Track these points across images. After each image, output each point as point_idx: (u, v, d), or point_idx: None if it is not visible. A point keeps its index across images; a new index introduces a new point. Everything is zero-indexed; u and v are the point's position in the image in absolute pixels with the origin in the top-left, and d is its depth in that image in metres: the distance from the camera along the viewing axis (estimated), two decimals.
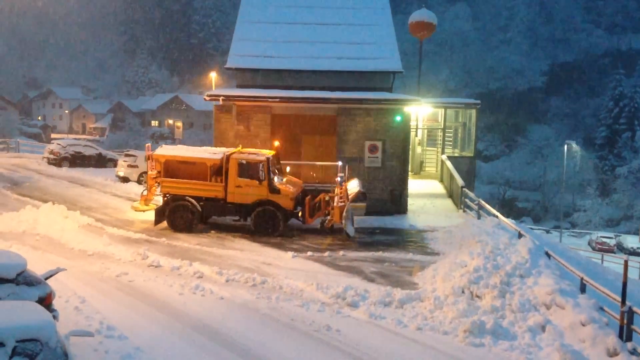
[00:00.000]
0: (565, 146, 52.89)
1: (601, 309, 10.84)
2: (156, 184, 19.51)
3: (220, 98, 22.15)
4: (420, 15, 31.84)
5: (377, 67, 23.96)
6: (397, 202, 22.60)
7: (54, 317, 8.90)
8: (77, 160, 32.93)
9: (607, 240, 49.25)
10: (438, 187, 27.94)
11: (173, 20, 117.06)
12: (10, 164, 32.97)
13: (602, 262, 31.48)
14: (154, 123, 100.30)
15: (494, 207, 20.65)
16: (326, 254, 16.53)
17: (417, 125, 30.47)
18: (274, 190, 18.42)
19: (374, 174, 22.56)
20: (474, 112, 31.16)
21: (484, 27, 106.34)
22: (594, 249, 47.01)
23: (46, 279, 9.79)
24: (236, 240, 18.10)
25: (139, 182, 27.66)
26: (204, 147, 20.84)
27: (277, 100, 22.12)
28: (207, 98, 22.46)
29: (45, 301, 9.07)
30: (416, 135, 30.61)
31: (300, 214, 18.99)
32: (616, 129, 77.28)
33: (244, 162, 18.55)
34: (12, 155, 38.83)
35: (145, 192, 20.15)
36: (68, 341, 8.45)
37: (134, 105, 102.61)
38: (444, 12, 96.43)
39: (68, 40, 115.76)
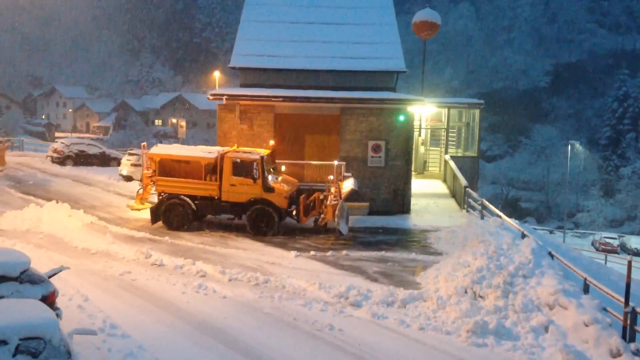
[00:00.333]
0: (569, 146, 52.91)
1: (604, 309, 10.81)
2: (151, 183, 19.60)
3: (224, 97, 22.16)
4: (424, 14, 31.77)
5: (380, 67, 23.93)
6: (400, 202, 22.59)
7: (57, 315, 8.92)
8: (80, 159, 32.96)
9: (611, 241, 49.06)
10: (441, 187, 27.91)
11: (177, 20, 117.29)
12: (14, 162, 33.02)
13: (606, 263, 31.41)
14: (158, 122, 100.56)
15: (497, 207, 20.61)
16: (329, 253, 16.53)
17: (420, 125, 30.42)
18: (268, 188, 18.47)
19: (377, 174, 22.54)
20: (477, 112, 31.10)
21: (487, 27, 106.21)
22: (597, 249, 46.86)
23: (49, 277, 9.81)
24: (239, 239, 18.12)
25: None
26: (199, 146, 20.92)
27: (281, 99, 22.13)
28: (211, 97, 22.49)
29: (49, 299, 9.10)
30: (419, 135, 30.56)
31: (294, 212, 19.08)
32: (620, 129, 77.16)
33: (238, 160, 18.62)
34: (16, 153, 38.86)
35: (140, 191, 20.23)
36: (71, 339, 8.47)
37: (138, 104, 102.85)
38: (447, 12, 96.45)
39: (72, 39, 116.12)
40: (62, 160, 32.67)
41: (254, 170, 18.39)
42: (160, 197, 19.24)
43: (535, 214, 71.70)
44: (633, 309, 9.85)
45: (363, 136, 22.50)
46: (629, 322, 9.92)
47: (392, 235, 19.43)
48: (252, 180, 18.41)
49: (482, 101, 31.77)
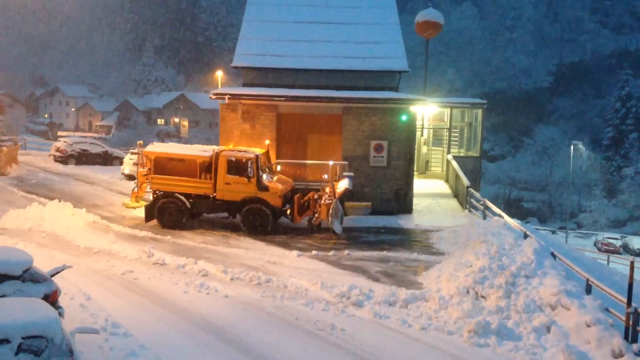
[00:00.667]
0: (572, 146, 52.81)
1: (607, 310, 10.79)
2: (147, 181, 19.64)
3: (226, 97, 22.17)
4: (427, 14, 31.73)
5: (383, 67, 23.93)
6: (402, 202, 22.58)
7: (60, 314, 8.94)
8: (83, 157, 33.03)
9: (613, 241, 49.02)
10: (443, 187, 27.90)
11: (179, 19, 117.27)
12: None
13: (608, 263, 31.32)
14: (160, 121, 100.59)
15: (499, 207, 20.59)
16: (331, 253, 16.53)
17: (422, 125, 30.41)
18: (262, 187, 18.50)
19: (379, 174, 22.54)
20: (480, 111, 31.10)
21: (490, 26, 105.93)
22: (599, 249, 46.79)
23: (52, 276, 9.83)
24: (241, 238, 18.13)
25: None
26: (195, 145, 20.99)
27: (283, 99, 22.13)
28: (213, 97, 22.50)
29: (51, 298, 9.11)
30: (422, 135, 30.55)
31: (288, 211, 19.09)
32: (623, 129, 77.01)
33: (233, 159, 18.67)
34: (19, 152, 38.88)
35: (136, 189, 20.28)
36: (73, 338, 8.49)
37: (140, 103, 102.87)
38: (450, 12, 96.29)
39: (75, 38, 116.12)
40: (64, 159, 32.74)
41: (249, 169, 18.45)
42: (155, 195, 19.31)
43: (537, 214, 71.65)
44: (635, 309, 9.83)
45: (365, 136, 22.49)
46: (631, 322, 9.90)
47: (394, 235, 19.42)
48: (246, 179, 18.47)
49: (484, 101, 31.78)
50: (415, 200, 23.22)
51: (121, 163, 31.32)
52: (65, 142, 34.28)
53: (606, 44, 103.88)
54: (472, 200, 22.23)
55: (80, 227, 18.41)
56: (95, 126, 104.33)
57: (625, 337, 9.93)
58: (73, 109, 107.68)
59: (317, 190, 19.33)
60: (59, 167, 31.47)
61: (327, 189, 18.76)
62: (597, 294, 11.52)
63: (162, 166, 19.08)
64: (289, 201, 19.24)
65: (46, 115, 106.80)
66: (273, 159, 21.11)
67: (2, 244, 15.07)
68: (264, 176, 18.80)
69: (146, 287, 13.08)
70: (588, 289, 11.69)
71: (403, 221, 21.24)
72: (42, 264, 11.13)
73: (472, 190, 22.67)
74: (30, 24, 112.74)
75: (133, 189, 20.52)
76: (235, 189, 18.62)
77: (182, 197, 18.82)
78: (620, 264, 30.94)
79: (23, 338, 7.34)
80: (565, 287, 11.66)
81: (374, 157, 22.51)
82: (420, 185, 25.91)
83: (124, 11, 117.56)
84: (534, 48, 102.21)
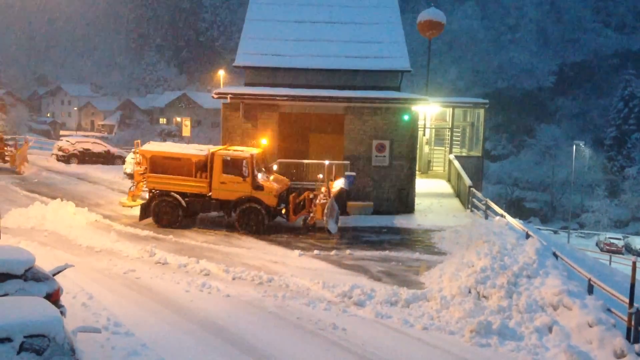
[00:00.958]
0: (574, 146, 52.66)
1: (609, 310, 10.78)
2: (143, 180, 19.70)
3: (228, 96, 22.19)
4: (429, 14, 31.71)
5: (385, 66, 23.91)
6: (404, 202, 22.58)
7: (62, 313, 8.95)
8: (85, 157, 33.09)
9: (615, 242, 48.94)
10: (445, 187, 27.87)
11: (182, 18, 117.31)
12: None
13: (610, 263, 31.26)
14: (162, 120, 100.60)
15: (501, 207, 20.57)
16: (332, 252, 16.53)
17: (425, 125, 30.39)
18: (257, 187, 18.52)
19: (381, 173, 22.53)
20: (482, 111, 31.05)
21: (493, 26, 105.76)
22: (602, 250, 46.71)
23: (54, 275, 9.84)
24: (243, 238, 18.14)
25: None
26: (191, 144, 21.04)
27: (285, 98, 22.14)
28: (215, 96, 22.53)
29: (53, 297, 9.12)
30: (424, 135, 30.53)
31: (284, 211, 19.11)
32: (625, 129, 76.88)
33: (229, 158, 18.70)
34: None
35: (132, 188, 20.32)
36: (75, 337, 8.49)
37: (143, 102, 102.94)
38: (453, 11, 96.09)
39: (77, 38, 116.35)
40: (67, 158, 32.81)
41: (244, 168, 18.49)
42: (151, 193, 19.35)
43: (539, 214, 71.59)
44: (637, 309, 9.81)
45: (367, 135, 22.48)
46: (633, 323, 9.88)
47: (395, 234, 19.42)
48: (241, 178, 18.51)
49: (486, 101, 31.72)
50: (417, 200, 23.20)
51: (123, 162, 31.37)
52: (67, 141, 34.38)
53: (609, 43, 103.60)
54: (474, 200, 22.20)
55: (82, 226, 18.44)
56: (97, 125, 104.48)
57: (627, 338, 9.91)
58: (75, 108, 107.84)
59: (313, 190, 19.34)
60: (61, 167, 31.54)
61: (323, 189, 18.77)
62: (599, 294, 11.50)
63: (158, 165, 19.17)
64: (285, 200, 19.26)
65: (48, 115, 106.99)
66: (270, 159, 21.13)
67: (4, 243, 15.08)
68: (259, 175, 18.83)
69: (148, 286, 13.09)
70: (590, 289, 11.67)
71: (405, 221, 21.23)
72: (44, 263, 11.14)
73: (474, 190, 22.64)
74: (32, 23, 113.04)
75: (130, 188, 20.61)
76: (231, 188, 18.66)
77: (178, 196, 18.88)
78: (622, 264, 30.88)
79: (25, 337, 7.34)
80: (567, 287, 11.65)
81: (376, 156, 22.51)
82: (422, 185, 25.89)
83: (127, 11, 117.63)
84: (536, 48, 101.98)
